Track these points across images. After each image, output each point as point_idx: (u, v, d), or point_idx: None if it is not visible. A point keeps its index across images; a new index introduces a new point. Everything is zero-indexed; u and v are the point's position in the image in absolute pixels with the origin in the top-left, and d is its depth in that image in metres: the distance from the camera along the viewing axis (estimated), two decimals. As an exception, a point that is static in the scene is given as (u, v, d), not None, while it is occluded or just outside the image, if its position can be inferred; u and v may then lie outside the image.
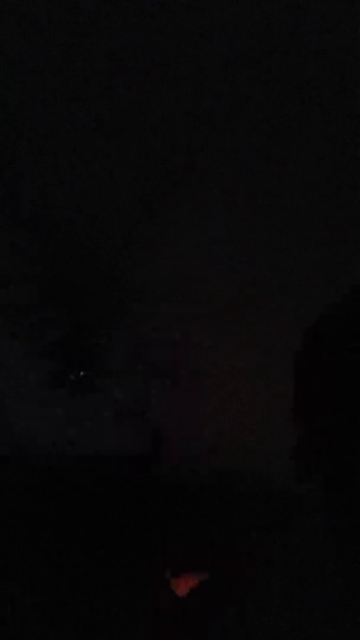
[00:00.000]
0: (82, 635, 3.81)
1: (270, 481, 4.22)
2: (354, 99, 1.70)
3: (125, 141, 1.92)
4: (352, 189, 1.99)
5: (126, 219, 2.22)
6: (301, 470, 0.70)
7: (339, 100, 1.71)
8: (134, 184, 2.08)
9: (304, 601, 0.75)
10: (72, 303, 2.60)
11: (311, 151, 1.89)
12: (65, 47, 1.68)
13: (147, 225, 2.25)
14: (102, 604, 4.06)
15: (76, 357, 2.64)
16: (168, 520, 4.44)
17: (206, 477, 4.28)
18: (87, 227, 2.26)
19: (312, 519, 0.71)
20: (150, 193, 2.24)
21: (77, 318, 2.64)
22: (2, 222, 2.25)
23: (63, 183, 2.07)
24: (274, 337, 2.84)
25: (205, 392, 3.24)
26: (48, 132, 1.89)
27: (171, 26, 1.55)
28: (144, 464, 4.15)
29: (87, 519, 4.29)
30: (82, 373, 2.60)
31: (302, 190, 2.03)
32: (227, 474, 4.23)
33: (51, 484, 3.84)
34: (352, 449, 0.64)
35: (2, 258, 2.42)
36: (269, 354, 2.97)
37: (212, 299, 2.61)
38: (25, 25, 1.65)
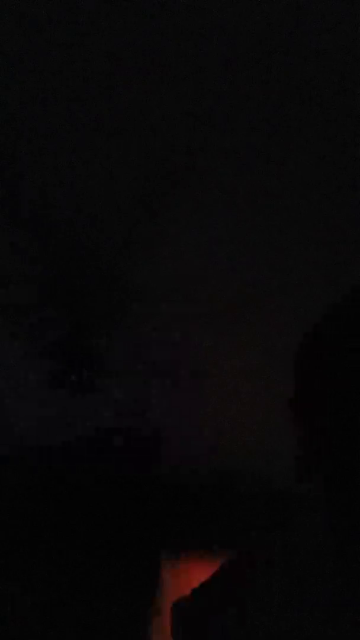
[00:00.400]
0: (82, 635, 3.81)
1: (270, 481, 4.22)
2: (354, 98, 1.70)
3: (125, 141, 1.92)
4: (352, 189, 1.99)
5: (126, 219, 2.22)
6: (301, 470, 0.70)
7: (339, 100, 1.71)
8: (134, 184, 2.07)
9: (304, 601, 0.75)
10: (72, 303, 2.60)
11: (311, 151, 1.89)
12: (66, 47, 1.68)
13: (147, 225, 2.25)
14: (102, 604, 4.06)
15: (76, 357, 2.63)
16: (168, 520, 4.44)
17: (206, 477, 4.28)
18: (87, 227, 2.26)
19: (312, 519, 0.71)
20: (150, 193, 2.24)
21: (77, 318, 2.63)
22: (2, 222, 2.25)
23: (63, 183, 2.07)
24: (274, 337, 2.84)
25: (205, 392, 3.24)
26: (48, 132, 1.89)
27: (171, 26, 1.55)
28: (144, 464, 4.15)
29: (87, 519, 4.28)
30: (86, 373, 2.60)
31: (302, 190, 2.03)
32: (227, 474, 4.22)
33: (51, 484, 3.85)
34: (352, 449, 0.64)
35: (2, 258, 2.42)
36: (269, 354, 2.96)
37: (212, 299, 2.60)
38: (26, 25, 1.64)
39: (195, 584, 0.91)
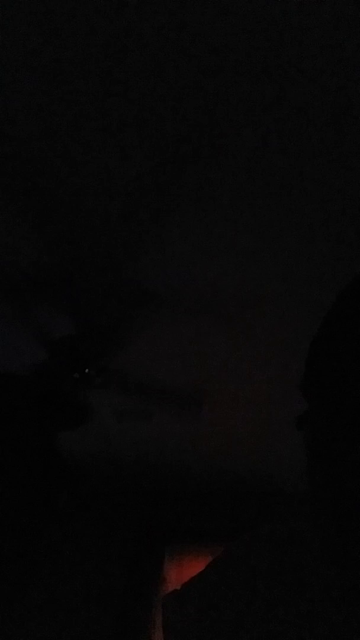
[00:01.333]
0: (85, 630, 3.81)
1: (270, 481, 4.22)
2: (355, 98, 1.70)
3: (127, 136, 1.91)
4: (353, 189, 2.00)
5: (129, 218, 2.22)
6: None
7: (339, 99, 1.71)
8: (136, 182, 2.08)
9: (303, 601, 0.76)
10: (74, 302, 2.60)
11: (313, 152, 1.89)
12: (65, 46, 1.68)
13: (151, 226, 2.25)
14: (104, 600, 4.06)
15: (78, 357, 2.64)
16: (169, 519, 4.44)
17: (206, 477, 4.29)
18: (90, 225, 2.26)
19: (311, 519, 0.72)
20: (153, 195, 2.23)
21: (80, 318, 2.64)
22: (3, 220, 2.25)
23: (64, 181, 2.07)
24: (276, 341, 2.84)
25: (207, 393, 3.25)
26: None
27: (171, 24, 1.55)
28: (144, 463, 4.16)
29: (87, 519, 4.29)
30: (87, 370, 2.60)
31: (302, 190, 2.03)
32: (227, 474, 4.23)
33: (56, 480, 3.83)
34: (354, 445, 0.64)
35: (5, 257, 2.42)
36: (271, 357, 2.97)
37: (215, 303, 2.60)
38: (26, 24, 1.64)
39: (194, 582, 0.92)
